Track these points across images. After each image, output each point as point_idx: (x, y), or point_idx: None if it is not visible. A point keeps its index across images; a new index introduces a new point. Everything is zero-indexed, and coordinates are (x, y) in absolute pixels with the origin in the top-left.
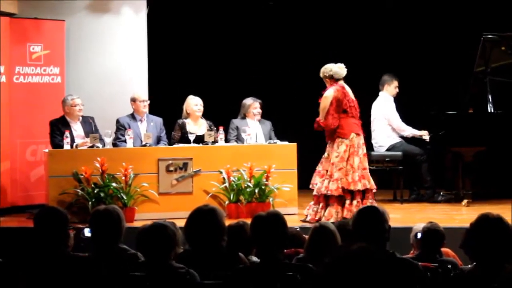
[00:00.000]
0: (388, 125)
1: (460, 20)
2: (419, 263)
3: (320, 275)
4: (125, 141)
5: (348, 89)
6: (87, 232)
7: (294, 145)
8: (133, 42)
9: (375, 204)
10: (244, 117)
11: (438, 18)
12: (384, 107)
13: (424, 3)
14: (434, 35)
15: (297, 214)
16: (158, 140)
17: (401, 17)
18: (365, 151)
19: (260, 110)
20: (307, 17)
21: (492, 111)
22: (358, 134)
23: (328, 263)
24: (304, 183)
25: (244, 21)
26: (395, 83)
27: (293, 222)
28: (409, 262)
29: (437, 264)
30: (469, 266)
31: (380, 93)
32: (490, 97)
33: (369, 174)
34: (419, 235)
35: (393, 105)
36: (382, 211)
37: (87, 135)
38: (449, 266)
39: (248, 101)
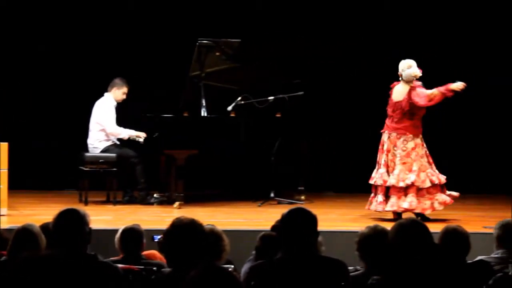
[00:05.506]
0: (101, 131)
1: (176, 23)
2: (119, 266)
3: (13, 279)
4: None
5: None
6: None
7: (5, 145)
8: None
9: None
10: None
11: (154, 20)
12: (102, 112)
13: (146, 5)
14: (150, 36)
15: (6, 215)
16: None
17: (120, 20)
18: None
19: None
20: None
21: (206, 115)
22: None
23: (18, 267)
24: (15, 184)
25: None
26: (125, 89)
27: (2, 223)
28: (107, 265)
29: (142, 267)
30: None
31: (105, 94)
32: (203, 101)
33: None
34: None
35: (113, 110)
36: (82, 214)
37: None
38: (154, 268)
39: None
